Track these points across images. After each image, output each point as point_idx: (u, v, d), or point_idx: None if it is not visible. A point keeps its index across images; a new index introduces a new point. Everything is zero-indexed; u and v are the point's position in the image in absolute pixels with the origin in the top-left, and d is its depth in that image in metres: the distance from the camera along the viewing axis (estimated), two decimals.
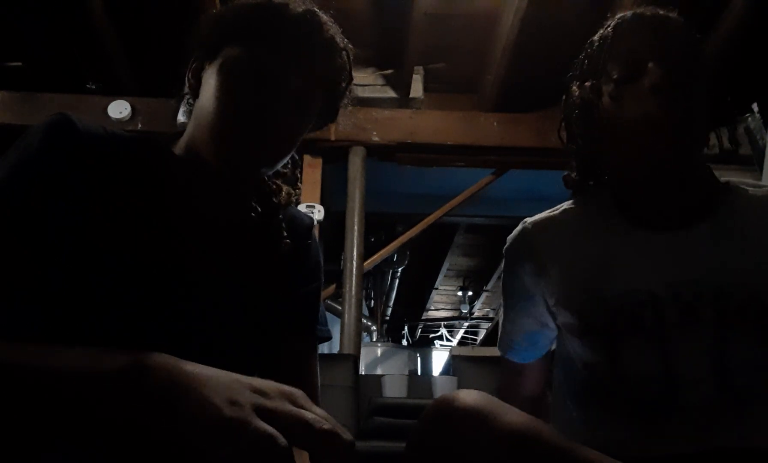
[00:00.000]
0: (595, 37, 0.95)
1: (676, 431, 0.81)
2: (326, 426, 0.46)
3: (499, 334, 1.04)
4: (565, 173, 1.02)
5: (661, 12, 0.91)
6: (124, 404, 0.46)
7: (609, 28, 0.93)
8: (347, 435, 0.47)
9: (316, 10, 0.81)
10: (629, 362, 0.84)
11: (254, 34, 0.77)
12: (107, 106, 3.41)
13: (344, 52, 0.83)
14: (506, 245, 1.00)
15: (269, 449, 0.43)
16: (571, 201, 1.00)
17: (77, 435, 0.49)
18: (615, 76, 0.88)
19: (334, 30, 0.82)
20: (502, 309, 1.03)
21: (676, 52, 0.86)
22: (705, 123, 0.90)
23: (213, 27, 0.81)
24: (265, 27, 0.77)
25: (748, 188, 0.92)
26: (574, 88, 0.97)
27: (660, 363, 0.82)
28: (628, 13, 0.92)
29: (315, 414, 0.48)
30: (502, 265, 1.02)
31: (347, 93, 0.87)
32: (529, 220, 0.98)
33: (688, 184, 0.89)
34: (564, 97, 1.00)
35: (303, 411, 0.47)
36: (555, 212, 0.98)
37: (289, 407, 0.47)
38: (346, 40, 0.84)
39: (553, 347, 1.02)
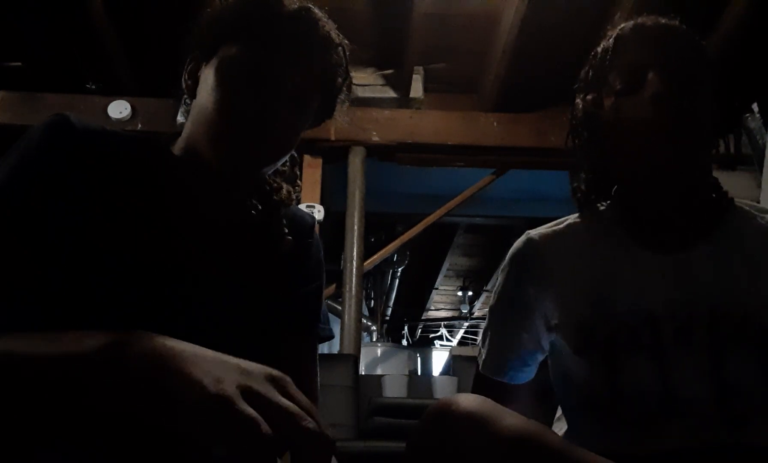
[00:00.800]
0: (598, 48, 0.94)
1: (675, 440, 0.81)
2: (310, 424, 0.46)
3: (484, 355, 0.97)
4: (574, 185, 1.00)
5: (663, 20, 0.90)
6: (104, 384, 0.45)
7: (610, 39, 0.92)
8: (329, 434, 0.47)
9: (310, 6, 0.81)
10: (627, 379, 0.84)
11: (250, 33, 0.77)
12: (107, 106, 3.41)
13: (340, 48, 0.83)
14: (511, 255, 0.98)
15: (252, 433, 0.42)
16: (575, 215, 0.99)
17: (62, 421, 0.48)
18: (616, 88, 0.88)
19: (329, 26, 0.82)
20: (492, 327, 0.98)
21: (677, 60, 0.85)
22: (710, 129, 0.89)
23: (208, 27, 0.81)
24: (261, 26, 0.77)
25: (753, 211, 0.91)
26: (578, 100, 0.96)
27: (658, 381, 0.82)
28: (630, 23, 0.91)
29: (301, 406, 0.47)
30: (501, 278, 0.98)
31: (344, 89, 0.87)
32: (533, 231, 0.97)
33: (693, 196, 0.89)
34: (570, 108, 0.99)
35: (288, 403, 0.47)
36: (560, 226, 0.97)
37: (276, 395, 0.47)
38: (341, 36, 0.84)
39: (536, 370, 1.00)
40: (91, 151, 0.71)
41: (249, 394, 0.45)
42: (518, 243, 0.97)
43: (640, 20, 0.91)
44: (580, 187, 0.98)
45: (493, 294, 0.99)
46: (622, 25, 0.92)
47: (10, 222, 0.64)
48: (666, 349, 0.83)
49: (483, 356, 0.97)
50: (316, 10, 0.81)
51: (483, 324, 1.03)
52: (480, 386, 0.97)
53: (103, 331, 0.48)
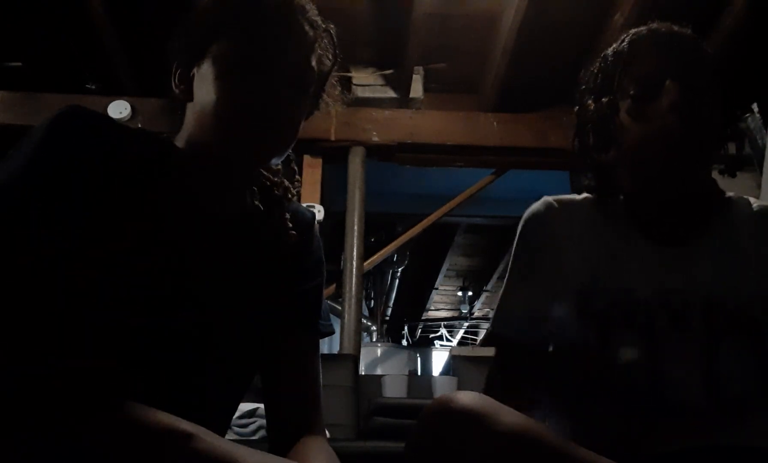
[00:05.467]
0: (609, 52, 0.96)
1: (666, 432, 0.82)
2: None
3: (495, 313, 1.00)
4: (584, 183, 1.02)
5: (676, 29, 0.92)
6: None
7: (624, 44, 0.94)
8: None
9: None
10: (620, 352, 0.87)
11: (238, 28, 0.77)
12: (107, 106, 3.41)
13: (326, 32, 0.84)
14: (528, 215, 1.01)
15: None
16: (591, 195, 1.02)
17: None
18: (632, 93, 0.90)
19: (313, 12, 0.83)
20: (505, 284, 1.00)
21: (692, 70, 0.88)
22: (719, 139, 0.93)
23: (194, 30, 0.82)
24: (248, 19, 0.78)
25: (749, 204, 0.95)
26: (590, 102, 0.97)
27: (649, 363, 0.85)
28: (643, 29, 0.94)
29: None
30: (516, 239, 1.01)
31: (334, 73, 0.88)
32: (551, 197, 1.00)
33: (694, 199, 0.92)
34: (577, 109, 1.01)
35: None
36: (577, 198, 1.01)
37: None
38: (328, 21, 0.85)
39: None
40: (102, 144, 0.72)
41: None
42: (536, 206, 1.00)
43: (653, 27, 0.93)
44: (591, 185, 1.00)
45: (512, 255, 1.02)
46: (636, 31, 0.94)
47: (21, 216, 0.64)
48: (659, 336, 0.86)
49: (494, 313, 1.01)
50: None
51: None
52: (492, 343, 1.01)
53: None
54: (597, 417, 0.88)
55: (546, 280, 0.96)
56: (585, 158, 1.00)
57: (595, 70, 0.98)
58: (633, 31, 0.95)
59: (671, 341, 0.85)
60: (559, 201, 0.99)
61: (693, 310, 0.85)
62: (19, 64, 3.43)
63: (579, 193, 1.03)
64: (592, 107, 0.96)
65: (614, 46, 0.96)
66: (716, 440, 0.80)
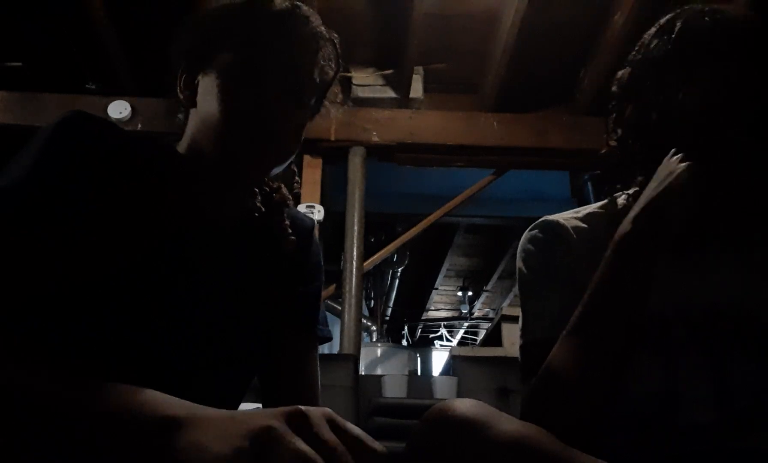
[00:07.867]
0: (667, 31, 0.87)
1: (675, 448, 0.80)
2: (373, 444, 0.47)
3: (529, 324, 0.90)
4: (604, 150, 0.95)
5: (742, 25, 0.84)
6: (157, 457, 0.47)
7: (685, 40, 0.85)
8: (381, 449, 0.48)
9: (298, 4, 0.82)
10: (633, 376, 0.83)
11: (243, 38, 0.77)
12: (107, 106, 3.40)
13: (330, 43, 0.84)
14: (536, 232, 0.94)
15: None
16: (594, 205, 0.97)
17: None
18: (686, 106, 0.83)
19: (318, 22, 0.83)
20: (530, 295, 0.92)
21: (745, 81, 0.81)
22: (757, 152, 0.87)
23: (199, 36, 0.82)
24: (252, 29, 0.78)
25: None
26: (633, 96, 0.90)
27: (663, 382, 0.82)
28: (705, 26, 0.85)
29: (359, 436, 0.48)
30: (530, 255, 0.93)
31: (335, 81, 0.88)
32: (552, 217, 0.95)
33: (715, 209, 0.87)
34: (620, 79, 0.93)
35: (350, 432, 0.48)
36: (579, 214, 0.96)
37: (295, 437, 0.46)
38: (331, 30, 0.86)
39: None
40: (103, 150, 0.72)
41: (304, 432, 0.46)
42: (544, 223, 0.94)
43: (718, 24, 0.84)
44: (613, 147, 0.93)
45: (525, 274, 0.94)
46: (695, 25, 0.86)
47: (25, 217, 0.64)
48: (674, 350, 0.82)
49: (527, 325, 0.91)
50: (305, 8, 0.82)
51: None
52: (533, 353, 0.88)
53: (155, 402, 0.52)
54: (608, 434, 0.85)
55: (566, 287, 0.89)
56: (613, 138, 0.93)
57: (651, 46, 0.89)
58: (691, 19, 0.85)
59: (685, 357, 0.81)
60: (561, 218, 0.94)
61: (708, 321, 0.82)
62: (19, 64, 3.43)
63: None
64: (636, 100, 0.89)
65: (665, 21, 0.87)
66: (723, 444, 0.78)
